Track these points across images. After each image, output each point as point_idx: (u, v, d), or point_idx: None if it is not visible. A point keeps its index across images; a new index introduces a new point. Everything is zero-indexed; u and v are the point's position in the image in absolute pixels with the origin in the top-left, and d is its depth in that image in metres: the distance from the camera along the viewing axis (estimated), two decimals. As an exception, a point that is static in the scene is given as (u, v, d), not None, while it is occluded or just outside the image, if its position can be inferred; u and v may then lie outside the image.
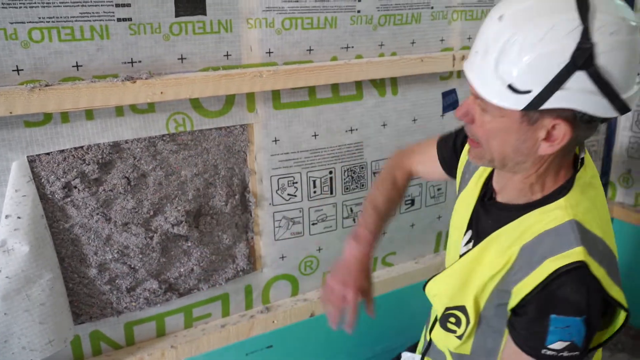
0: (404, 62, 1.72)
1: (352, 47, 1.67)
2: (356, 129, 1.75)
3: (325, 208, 1.77)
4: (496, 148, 0.95)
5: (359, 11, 1.64)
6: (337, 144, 1.73)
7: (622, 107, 0.85)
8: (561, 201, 0.96)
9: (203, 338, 1.64)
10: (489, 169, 1.13)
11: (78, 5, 1.26)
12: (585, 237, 0.91)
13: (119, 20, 1.32)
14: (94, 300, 1.47)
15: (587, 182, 1.00)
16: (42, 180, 1.32)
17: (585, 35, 0.79)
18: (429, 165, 1.36)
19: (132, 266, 1.48)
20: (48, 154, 1.31)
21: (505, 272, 0.97)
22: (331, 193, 1.77)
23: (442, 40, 1.84)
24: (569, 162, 1.00)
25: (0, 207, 1.28)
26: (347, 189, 1.79)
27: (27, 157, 1.29)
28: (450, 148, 1.29)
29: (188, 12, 1.40)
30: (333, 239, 1.82)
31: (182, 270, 1.57)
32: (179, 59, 1.42)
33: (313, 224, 1.77)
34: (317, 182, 1.74)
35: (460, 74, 1.91)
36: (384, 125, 1.80)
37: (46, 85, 1.24)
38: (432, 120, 1.90)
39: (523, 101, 0.85)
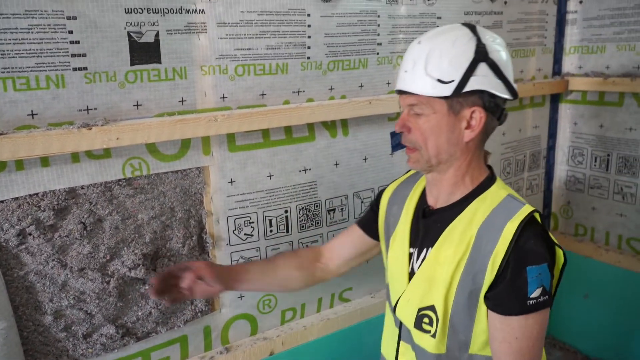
0: (352, 104, 1.80)
1: (304, 91, 1.75)
2: (310, 169, 1.82)
3: (282, 246, 1.81)
4: (433, 144, 1.16)
5: (308, 57, 1.73)
6: (292, 183, 1.79)
7: (512, 90, 1.16)
8: (493, 188, 1.21)
9: (162, 382, 1.62)
10: (415, 197, 1.33)
11: (34, 56, 1.29)
12: (526, 202, 1.16)
13: (74, 69, 1.35)
14: (49, 349, 1.44)
15: (500, 180, 1.26)
16: (-4, 228, 1.31)
17: (479, 41, 1.13)
18: (344, 236, 1.53)
19: (89, 312, 1.47)
20: (2, 202, 1.32)
21: (468, 254, 1.13)
22: (287, 232, 1.81)
23: (388, 83, 1.95)
24: (483, 159, 1.24)
25: (-48, 256, 1.26)
26: (302, 227, 1.84)
27: (-19, 205, 1.29)
28: (368, 213, 1.50)
29: (143, 61, 1.45)
30: (290, 277, 1.85)
31: (139, 313, 1.57)
32: (134, 105, 1.46)
33: (270, 263, 1.80)
34: (274, 221, 1.78)
35: (406, 114, 2.01)
36: (336, 164, 1.88)
37: (0, 134, 1.25)
38: (381, 159, 1.98)
39: (450, 88, 1.12)
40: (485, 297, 1.12)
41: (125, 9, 1.39)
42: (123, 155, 1.47)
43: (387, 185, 1.48)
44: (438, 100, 1.14)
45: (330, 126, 1.84)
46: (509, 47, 2.25)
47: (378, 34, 1.87)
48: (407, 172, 1.47)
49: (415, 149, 1.20)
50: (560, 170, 2.69)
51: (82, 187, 1.42)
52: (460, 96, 1.13)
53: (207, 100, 1.58)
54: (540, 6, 2.38)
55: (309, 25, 1.70)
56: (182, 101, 1.54)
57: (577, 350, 2.71)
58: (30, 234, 1.35)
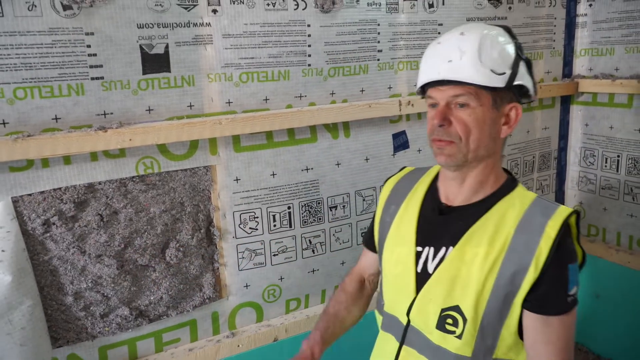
0: (353, 108, 1.92)
1: (305, 95, 1.88)
2: (312, 168, 1.95)
3: (285, 240, 1.95)
4: (475, 137, 1.15)
5: (309, 65, 1.86)
6: (295, 181, 1.93)
7: (535, 88, 1.22)
8: (518, 189, 1.22)
9: (172, 361, 1.79)
10: (420, 194, 1.30)
11: (57, 68, 1.48)
12: (558, 203, 1.18)
13: (92, 79, 1.53)
14: (70, 326, 1.63)
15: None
16: (24, 217, 1.50)
17: (516, 40, 1.18)
18: (363, 259, 1.54)
19: (105, 294, 1.65)
20: (30, 194, 1.51)
21: (504, 254, 1.12)
22: (290, 226, 1.95)
23: (389, 87, 2.05)
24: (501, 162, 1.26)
25: (-13, 242, 1.46)
26: (305, 222, 1.98)
27: (11, 197, 1.48)
28: (369, 227, 1.50)
29: (154, 70, 1.62)
30: (293, 269, 1.99)
31: (151, 298, 1.74)
32: (146, 110, 1.63)
33: (274, 255, 1.94)
34: (277, 217, 1.92)
35: (409, 117, 2.11)
36: (337, 164, 2.00)
37: (28, 136, 1.44)
38: (383, 159, 2.09)
39: (503, 80, 1.13)
40: (526, 300, 1.11)
41: (137, 24, 1.56)
42: (136, 155, 1.64)
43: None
44: (485, 92, 1.13)
45: (331, 128, 1.97)
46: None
47: (378, 42, 1.98)
48: (401, 169, 1.48)
49: (452, 142, 1.15)
50: (573, 171, 2.72)
51: (99, 183, 1.60)
52: (504, 90, 1.14)
53: (213, 105, 1.74)
54: (548, 10, 2.43)
55: (309, 35, 1.83)
56: (191, 106, 1.70)
57: (589, 350, 2.74)
58: (53, 224, 1.54)
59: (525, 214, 1.15)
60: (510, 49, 1.15)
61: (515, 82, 1.14)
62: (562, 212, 1.12)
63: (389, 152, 2.11)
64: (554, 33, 2.49)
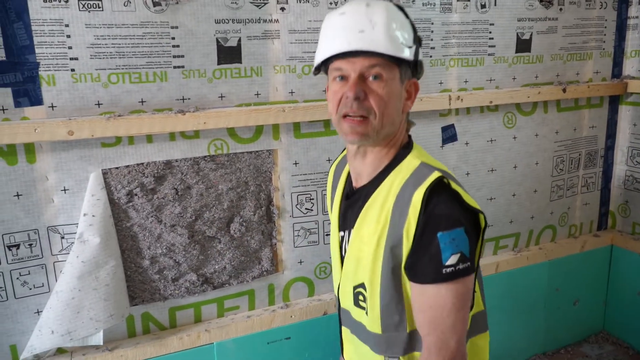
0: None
1: (361, 88, 2.03)
2: (364, 156, 2.09)
3: (338, 222, 2.11)
4: (390, 111, 1.10)
5: (366, 59, 2.00)
6: (348, 167, 2.08)
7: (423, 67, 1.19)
8: (408, 157, 1.17)
9: (232, 325, 1.97)
10: (344, 179, 1.32)
11: (145, 57, 1.68)
12: (436, 169, 1.12)
13: (175, 67, 1.73)
14: (145, 287, 1.84)
15: (419, 148, 1.24)
16: (112, 188, 1.71)
17: (409, 18, 1.15)
18: None
19: (177, 260, 1.85)
20: (117, 168, 1.71)
21: (387, 227, 1.10)
22: (343, 209, 2.11)
23: (440, 83, 2.18)
24: (405, 134, 1.22)
25: (80, 207, 1.67)
26: (356, 206, 2.13)
27: (102, 169, 1.69)
28: None
29: (227, 61, 1.80)
30: (344, 249, 2.14)
31: (216, 267, 1.93)
32: (219, 96, 1.82)
33: (327, 235, 2.10)
34: (331, 199, 2.08)
35: (457, 111, 2.23)
36: (389, 153, 2.14)
37: (119, 116, 1.65)
38: (432, 150, 2.22)
39: (412, 52, 1.11)
40: (404, 268, 1.10)
41: (215, 19, 1.75)
42: (209, 137, 1.83)
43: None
44: (394, 65, 1.09)
45: (384, 119, 2.10)
46: (564, 50, 2.42)
47: (432, 39, 2.11)
48: (342, 152, 1.45)
49: (367, 118, 1.10)
50: (620, 170, 2.77)
51: (176, 160, 1.80)
52: (406, 65, 1.11)
53: (278, 94, 1.91)
54: (599, 12, 2.50)
55: (367, 32, 1.98)
56: (258, 94, 1.87)
57: (630, 345, 2.78)
58: (136, 195, 1.75)
59: (402, 184, 1.11)
60: (411, 26, 1.13)
61: (420, 57, 1.14)
62: (429, 180, 1.07)
63: (438, 144, 2.23)
64: (604, 34, 2.55)
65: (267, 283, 2.06)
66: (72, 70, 1.60)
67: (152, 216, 1.78)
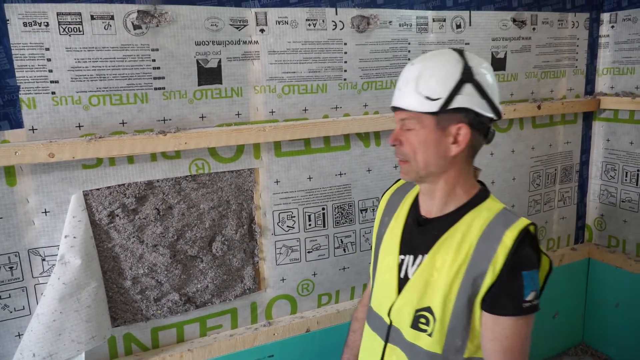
0: (384, 119, 2.10)
1: (341, 107, 2.07)
2: (345, 173, 2.13)
3: (319, 239, 2.13)
4: (421, 157, 1.25)
5: (345, 79, 2.05)
6: (329, 185, 2.11)
7: (496, 111, 1.26)
8: (488, 201, 1.30)
9: (215, 345, 1.97)
10: (406, 207, 1.41)
11: (126, 79, 1.70)
12: (520, 215, 1.25)
13: (155, 89, 1.75)
14: (127, 307, 1.83)
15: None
16: (93, 209, 1.72)
17: (466, 64, 1.23)
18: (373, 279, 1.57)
19: (159, 280, 1.85)
20: (98, 189, 1.72)
21: (469, 261, 1.22)
22: (324, 226, 2.13)
23: (418, 101, 2.22)
24: (472, 174, 1.33)
25: (61, 229, 1.68)
26: (337, 223, 2.15)
27: (83, 191, 1.70)
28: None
29: (208, 82, 1.83)
30: (326, 266, 2.16)
31: (198, 286, 1.93)
32: (200, 117, 1.84)
33: (309, 252, 2.12)
34: (312, 217, 2.10)
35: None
36: (369, 170, 2.17)
37: (100, 137, 1.66)
38: (411, 167, 2.25)
39: (437, 105, 1.22)
40: (482, 300, 1.20)
41: (195, 41, 1.77)
42: (190, 157, 1.85)
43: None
44: (426, 116, 1.23)
45: (364, 137, 2.15)
46: (538, 68, 2.48)
47: (409, 59, 2.16)
48: (396, 181, 1.57)
49: (407, 160, 1.28)
50: (595, 184, 2.83)
51: (157, 181, 1.81)
52: (447, 113, 1.22)
53: (258, 114, 1.94)
54: (571, 31, 2.58)
55: (345, 52, 2.02)
56: (238, 114, 1.90)
57: (608, 356, 2.83)
58: (117, 215, 1.75)
59: (489, 224, 1.23)
60: (453, 75, 1.22)
61: (454, 105, 1.22)
62: (520, 223, 1.21)
63: (417, 161, 2.27)
64: (577, 52, 2.63)
65: (249, 301, 2.07)
66: (53, 93, 1.62)
67: (133, 237, 1.79)
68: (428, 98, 1.22)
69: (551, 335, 2.85)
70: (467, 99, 1.22)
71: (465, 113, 1.23)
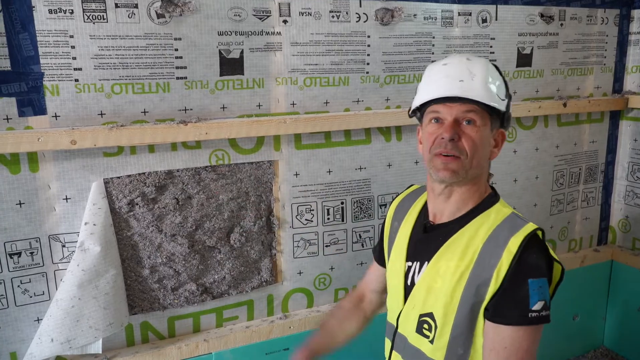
0: (406, 113, 2.06)
1: (362, 100, 2.05)
2: (365, 168, 2.11)
3: (337, 233, 2.12)
4: (479, 154, 1.22)
5: (367, 72, 2.02)
6: (348, 179, 2.09)
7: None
8: (497, 205, 1.27)
9: (231, 336, 1.97)
10: (414, 213, 1.39)
11: (148, 68, 1.70)
12: (529, 221, 1.22)
13: (177, 78, 1.74)
14: (145, 296, 1.84)
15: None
16: (113, 197, 1.73)
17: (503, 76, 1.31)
18: (369, 272, 1.62)
19: (177, 270, 1.86)
20: (119, 177, 1.73)
21: (472, 267, 1.18)
22: (342, 220, 2.12)
23: (441, 96, 2.19)
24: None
25: (81, 216, 1.69)
26: (356, 217, 2.14)
27: (103, 179, 1.71)
28: (378, 242, 1.57)
29: (230, 73, 1.82)
30: (343, 260, 2.15)
31: (216, 277, 1.93)
32: (221, 107, 1.83)
33: (326, 246, 2.11)
34: (331, 211, 2.09)
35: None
36: (389, 165, 2.15)
37: (121, 126, 1.66)
38: (432, 162, 2.23)
39: (504, 104, 1.25)
40: (485, 309, 1.16)
41: (218, 31, 1.77)
42: (210, 147, 1.84)
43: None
44: (486, 114, 1.21)
45: (385, 132, 2.12)
46: (564, 65, 2.44)
47: (433, 53, 2.13)
48: (409, 187, 1.54)
49: (459, 157, 1.20)
50: (620, 185, 2.77)
51: (177, 170, 1.81)
52: (496, 116, 1.24)
53: (279, 106, 1.92)
54: (600, 28, 2.52)
55: (368, 45, 2.00)
56: (259, 106, 1.89)
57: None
58: (137, 204, 1.76)
59: (495, 229, 1.20)
60: (503, 82, 1.27)
61: (510, 110, 1.27)
62: (526, 229, 1.17)
63: (438, 157, 2.24)
64: (605, 50, 2.56)
65: (266, 293, 2.06)
66: (76, 80, 1.62)
67: (152, 226, 1.79)
68: (498, 96, 1.23)
69: (570, 338, 2.80)
70: (510, 106, 1.28)
71: (506, 120, 1.28)
